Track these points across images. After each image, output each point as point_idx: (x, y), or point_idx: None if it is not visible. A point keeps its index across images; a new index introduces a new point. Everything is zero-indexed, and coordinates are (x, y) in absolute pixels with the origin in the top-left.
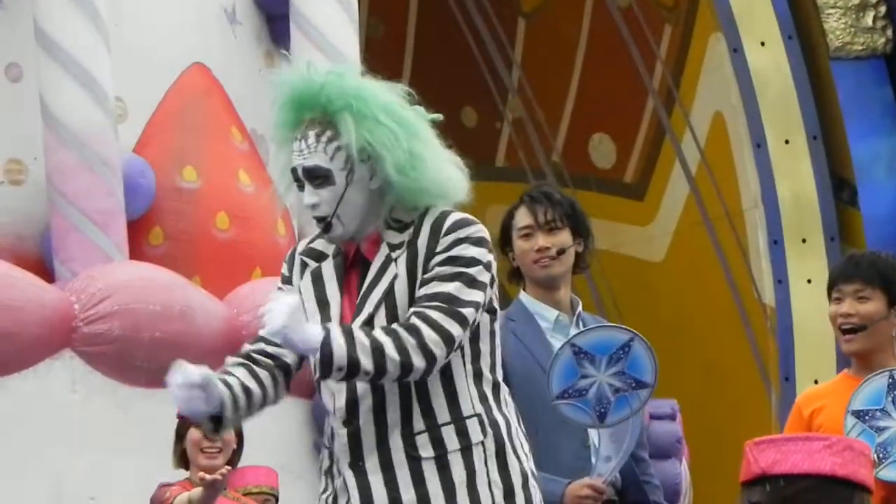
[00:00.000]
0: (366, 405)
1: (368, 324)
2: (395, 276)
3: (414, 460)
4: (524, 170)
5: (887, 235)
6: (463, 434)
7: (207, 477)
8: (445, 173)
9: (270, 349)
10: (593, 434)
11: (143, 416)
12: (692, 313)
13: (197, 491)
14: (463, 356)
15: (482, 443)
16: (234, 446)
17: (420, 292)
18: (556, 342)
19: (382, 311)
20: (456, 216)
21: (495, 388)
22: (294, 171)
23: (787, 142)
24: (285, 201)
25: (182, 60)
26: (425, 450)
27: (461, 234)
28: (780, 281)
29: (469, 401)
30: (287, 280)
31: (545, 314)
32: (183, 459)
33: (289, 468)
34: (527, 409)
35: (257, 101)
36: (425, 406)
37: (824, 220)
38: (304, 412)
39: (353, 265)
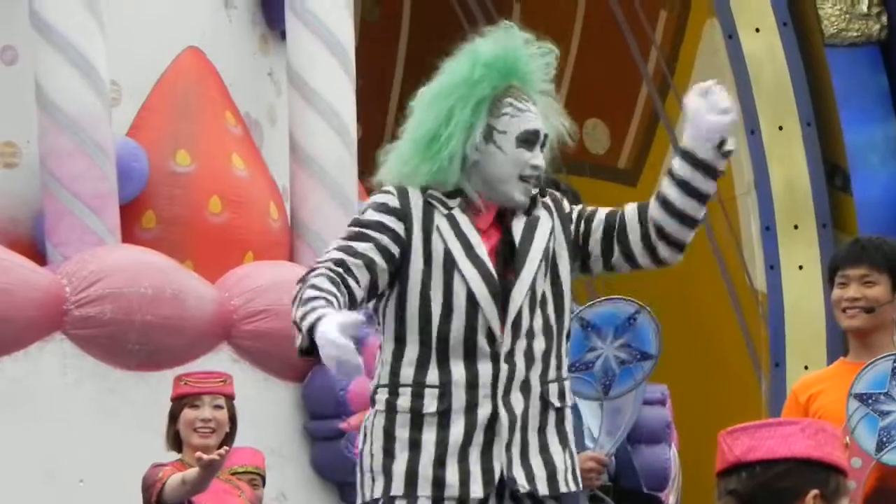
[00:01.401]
0: (522, 346)
1: (532, 287)
2: (551, 234)
3: (544, 405)
4: None
5: (880, 222)
6: (570, 393)
7: (205, 457)
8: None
9: (362, 276)
10: (586, 415)
11: (134, 399)
12: (683, 299)
13: (192, 471)
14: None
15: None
16: (227, 428)
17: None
18: None
19: (544, 267)
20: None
21: None
22: (536, 132)
23: (780, 128)
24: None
25: (176, 44)
26: (553, 397)
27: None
28: (772, 267)
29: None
30: (398, 213)
31: None
32: (175, 441)
33: (279, 452)
34: None
35: (251, 85)
36: (557, 359)
37: (817, 207)
38: (295, 395)
39: (491, 228)
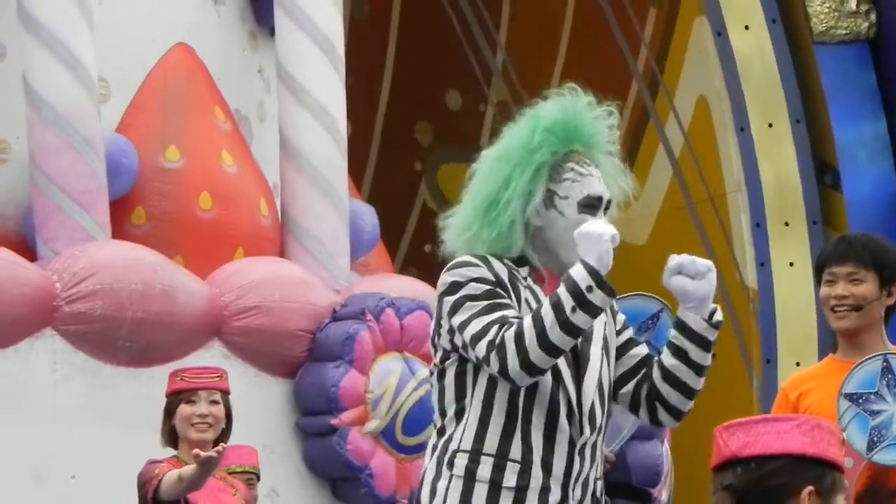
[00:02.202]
0: (593, 438)
1: (599, 378)
2: (605, 324)
3: (595, 501)
4: None
5: (870, 219)
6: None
7: (202, 454)
8: None
9: None
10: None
11: (125, 396)
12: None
13: (189, 468)
14: None
15: None
16: (224, 424)
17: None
18: None
19: (605, 363)
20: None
21: None
22: (599, 198)
23: (770, 125)
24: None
25: (165, 40)
26: (599, 494)
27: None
28: (763, 264)
29: None
30: (495, 281)
31: None
32: (171, 437)
33: (271, 448)
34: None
35: (240, 81)
36: (600, 457)
37: (807, 204)
38: (286, 391)
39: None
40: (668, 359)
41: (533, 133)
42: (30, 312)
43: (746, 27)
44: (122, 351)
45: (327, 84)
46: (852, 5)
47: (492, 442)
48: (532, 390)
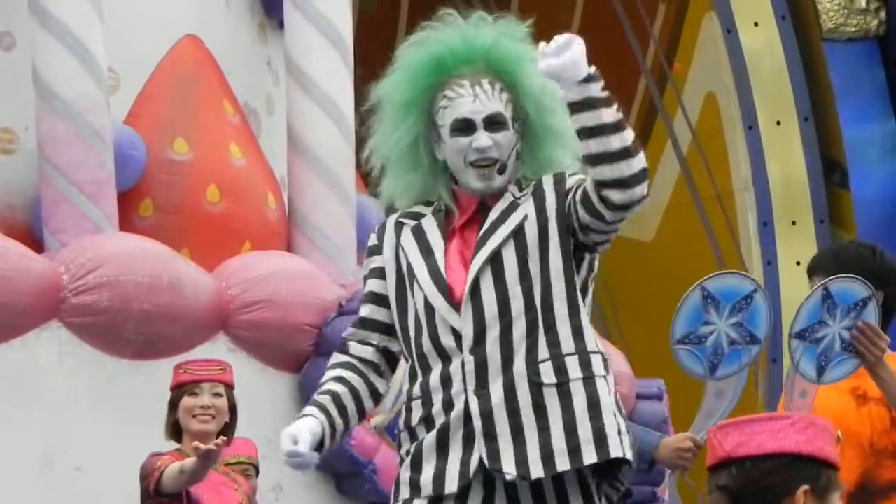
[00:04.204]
0: (493, 334)
1: (495, 258)
2: (525, 217)
3: (536, 387)
4: None
5: (877, 218)
6: (586, 366)
7: (202, 446)
8: (570, 151)
9: (374, 338)
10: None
11: (130, 388)
12: (681, 293)
13: (189, 461)
14: (584, 298)
15: (605, 377)
16: (227, 417)
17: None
18: None
19: (511, 247)
20: (574, 169)
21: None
22: (465, 119)
23: (778, 123)
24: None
25: (175, 32)
26: (547, 376)
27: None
28: (770, 262)
29: (593, 339)
30: (376, 249)
31: None
32: (175, 431)
33: (276, 442)
34: None
35: (249, 73)
36: (552, 337)
37: (814, 202)
38: (291, 386)
39: (468, 222)
40: (583, 148)
41: (397, 84)
42: (36, 304)
43: (756, 24)
44: (128, 343)
45: (336, 77)
46: (862, 3)
47: (406, 389)
48: (418, 329)
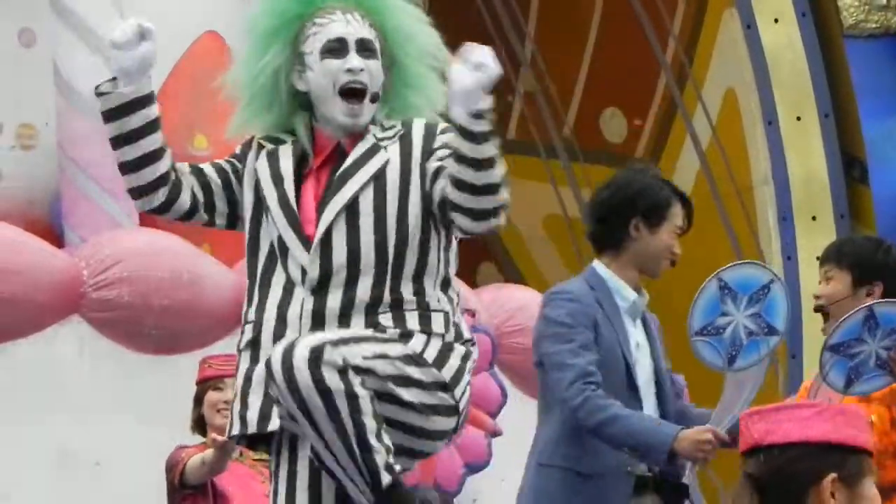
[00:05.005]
0: (338, 279)
1: (352, 206)
2: (387, 161)
3: (373, 328)
4: (535, 143)
5: None
6: (426, 321)
7: (219, 438)
8: (429, 102)
9: (207, 182)
10: (650, 407)
11: (151, 383)
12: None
13: (209, 452)
14: (439, 257)
15: (443, 336)
16: None
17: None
18: (630, 326)
19: (370, 193)
20: (448, 125)
21: (457, 298)
22: (338, 38)
23: (798, 119)
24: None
25: (195, 28)
26: (386, 321)
27: (452, 135)
28: (789, 258)
29: (443, 298)
30: (237, 157)
31: (624, 293)
32: (200, 425)
33: None
34: (605, 375)
35: None
36: (395, 295)
37: (834, 198)
38: None
39: (325, 162)
40: (450, 164)
41: (264, 12)
42: (56, 299)
43: (776, 20)
44: (149, 338)
45: None
46: None
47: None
48: (269, 256)
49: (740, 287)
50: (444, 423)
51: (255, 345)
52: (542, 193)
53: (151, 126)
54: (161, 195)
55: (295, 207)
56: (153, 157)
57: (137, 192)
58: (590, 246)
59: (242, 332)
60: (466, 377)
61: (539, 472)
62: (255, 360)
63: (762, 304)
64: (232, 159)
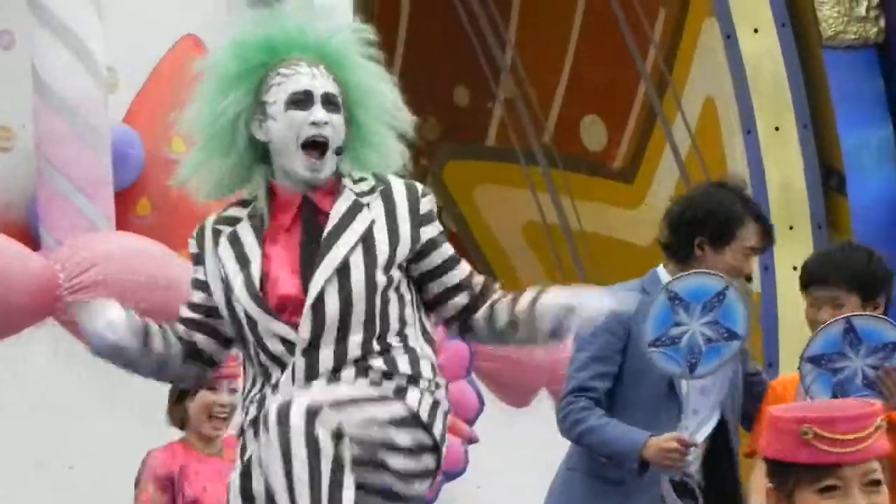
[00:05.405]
0: (331, 336)
1: (344, 267)
2: (373, 221)
3: (364, 372)
4: (515, 150)
5: (874, 224)
6: (416, 365)
7: None
8: (385, 160)
9: (205, 320)
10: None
11: (126, 386)
12: None
13: None
14: (414, 306)
15: (430, 388)
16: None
17: (444, 278)
18: None
19: (360, 253)
20: (426, 188)
21: (436, 342)
22: (305, 91)
23: (777, 129)
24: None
25: (174, 31)
26: (378, 364)
27: (433, 203)
28: (766, 267)
29: (420, 347)
30: (198, 258)
31: None
32: (182, 421)
33: None
34: (640, 379)
35: None
36: (383, 344)
37: (812, 208)
38: None
39: (295, 220)
40: (498, 321)
41: (228, 56)
42: (32, 302)
43: (756, 30)
44: None
45: None
46: (862, 10)
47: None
48: (242, 339)
49: (691, 296)
50: (421, 488)
51: (255, 423)
52: (521, 200)
53: (146, 351)
54: (194, 368)
55: (257, 286)
56: (163, 365)
57: (181, 383)
58: (569, 252)
59: (246, 412)
60: (446, 436)
61: (566, 477)
62: (255, 434)
63: (718, 311)
64: (197, 278)
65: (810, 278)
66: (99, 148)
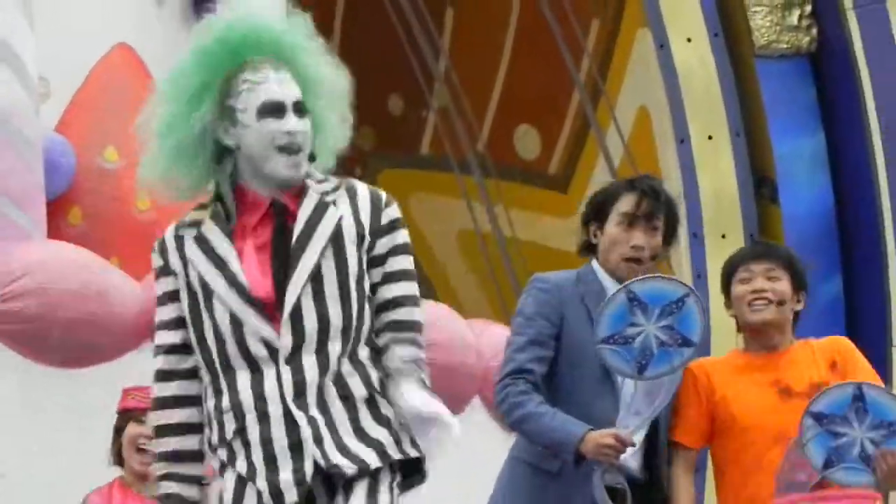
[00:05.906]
0: (311, 348)
1: (317, 275)
2: (341, 218)
3: (345, 399)
4: (449, 159)
5: (806, 233)
6: (383, 384)
7: None
8: (332, 148)
9: (186, 335)
10: (626, 396)
11: (57, 396)
12: None
13: None
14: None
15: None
16: None
17: (383, 289)
18: None
19: (330, 256)
20: (389, 198)
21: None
22: (278, 102)
23: (710, 137)
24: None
25: (106, 40)
26: (356, 386)
27: (397, 213)
28: (699, 276)
29: (377, 361)
30: (164, 270)
31: (611, 290)
32: (120, 456)
33: None
34: (574, 368)
35: None
36: (355, 357)
37: (744, 217)
38: None
39: (262, 220)
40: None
41: (191, 66)
42: None
43: (689, 40)
44: (56, 351)
45: None
46: (794, 20)
47: (209, 406)
48: (221, 343)
49: (650, 299)
50: None
51: (241, 432)
52: (455, 209)
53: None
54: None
55: (247, 286)
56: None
57: None
58: (502, 261)
59: (221, 425)
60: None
61: (511, 464)
62: (246, 444)
63: (676, 317)
64: (168, 290)
65: (745, 256)
66: (30, 157)
